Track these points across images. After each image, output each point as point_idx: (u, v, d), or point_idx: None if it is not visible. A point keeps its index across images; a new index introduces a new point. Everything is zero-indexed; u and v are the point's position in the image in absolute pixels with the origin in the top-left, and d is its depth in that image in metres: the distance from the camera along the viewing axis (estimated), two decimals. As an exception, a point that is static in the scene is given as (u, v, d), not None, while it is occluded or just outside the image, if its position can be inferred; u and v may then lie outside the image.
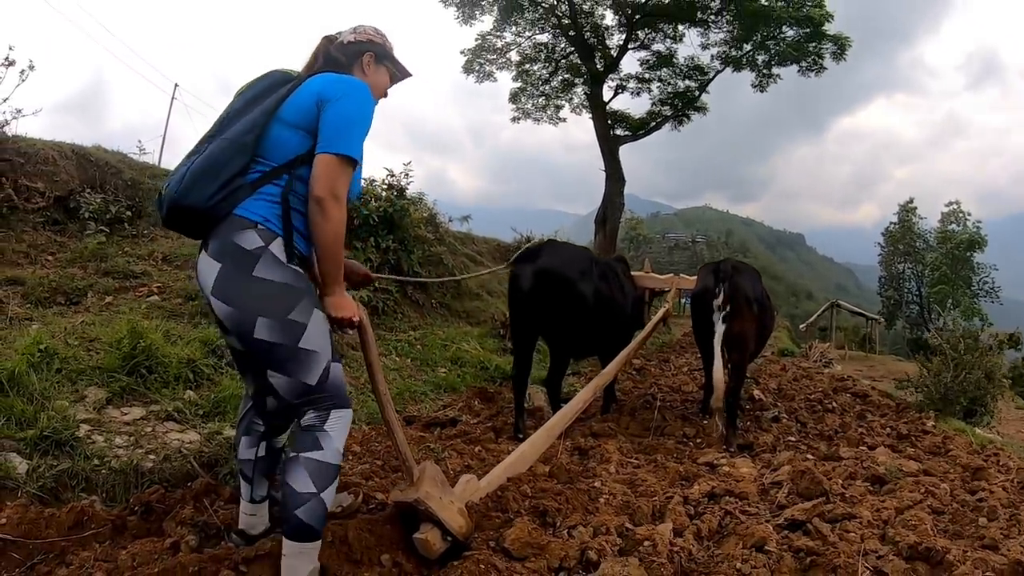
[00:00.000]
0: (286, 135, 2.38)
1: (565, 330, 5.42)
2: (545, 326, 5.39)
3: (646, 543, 2.93)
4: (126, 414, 4.07)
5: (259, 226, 2.30)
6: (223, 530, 2.85)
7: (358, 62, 2.71)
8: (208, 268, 2.30)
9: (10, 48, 7.12)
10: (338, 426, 2.36)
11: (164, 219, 2.36)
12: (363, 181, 8.19)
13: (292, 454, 2.30)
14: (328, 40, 2.73)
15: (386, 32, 2.81)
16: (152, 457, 3.67)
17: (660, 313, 6.99)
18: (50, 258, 6.60)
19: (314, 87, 2.43)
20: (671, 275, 7.24)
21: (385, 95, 2.84)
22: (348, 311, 2.46)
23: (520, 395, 5.43)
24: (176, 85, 17.68)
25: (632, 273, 6.80)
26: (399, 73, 2.87)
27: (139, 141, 10.12)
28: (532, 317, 5.30)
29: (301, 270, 2.38)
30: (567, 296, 5.27)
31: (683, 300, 6.90)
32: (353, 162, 2.34)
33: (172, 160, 13.01)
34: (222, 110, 2.53)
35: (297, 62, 2.96)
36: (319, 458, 2.28)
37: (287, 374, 2.29)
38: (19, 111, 7.52)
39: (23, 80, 7.34)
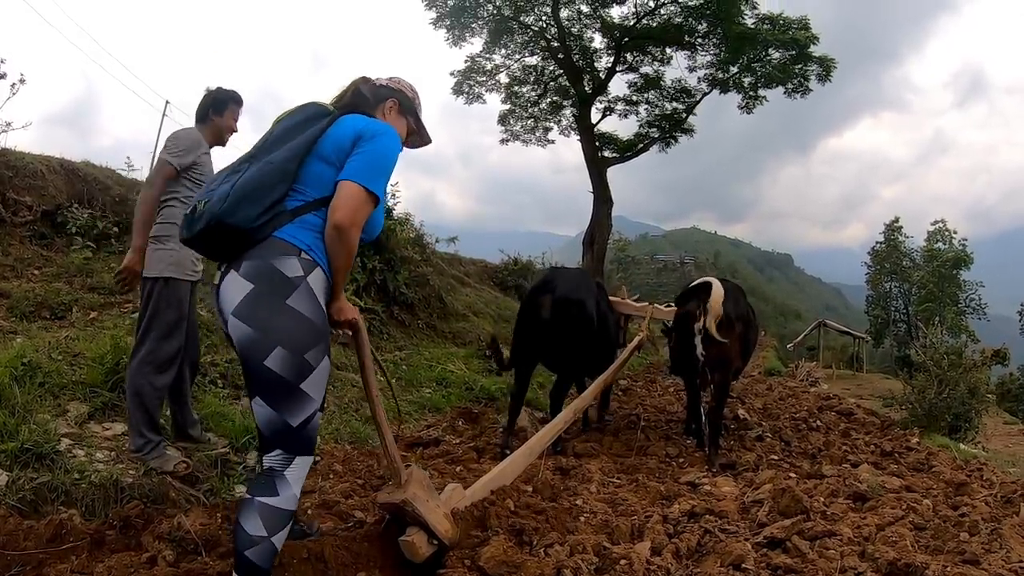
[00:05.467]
0: (324, 170, 2.43)
1: (577, 351, 5.61)
2: (559, 350, 5.56)
3: (623, 562, 2.92)
4: (108, 429, 4.07)
5: (303, 254, 2.32)
6: (201, 545, 2.85)
7: (382, 105, 2.80)
8: (234, 287, 2.28)
9: (1, 61, 7.14)
10: (297, 472, 2.32)
11: (197, 233, 2.31)
12: None
13: (248, 496, 2.28)
14: (364, 79, 2.82)
15: (419, 91, 2.96)
16: (132, 472, 3.66)
17: (636, 340, 7.08)
18: (36, 272, 6.58)
19: (352, 126, 2.50)
20: (646, 304, 7.33)
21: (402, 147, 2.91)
22: (350, 314, 2.53)
23: (516, 414, 5.65)
24: (167, 102, 17.59)
25: (610, 299, 6.90)
26: (420, 137, 3.02)
27: (127, 157, 10.10)
28: (548, 343, 5.49)
29: (324, 311, 2.40)
30: (583, 320, 5.50)
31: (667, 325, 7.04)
32: (376, 199, 2.41)
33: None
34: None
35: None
36: (273, 503, 2.25)
37: (276, 408, 2.26)
38: (9, 124, 7.53)
39: (14, 93, 7.35)
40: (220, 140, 4.19)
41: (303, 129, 2.49)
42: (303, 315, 2.27)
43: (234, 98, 4.15)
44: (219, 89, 4.16)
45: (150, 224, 3.81)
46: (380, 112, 2.79)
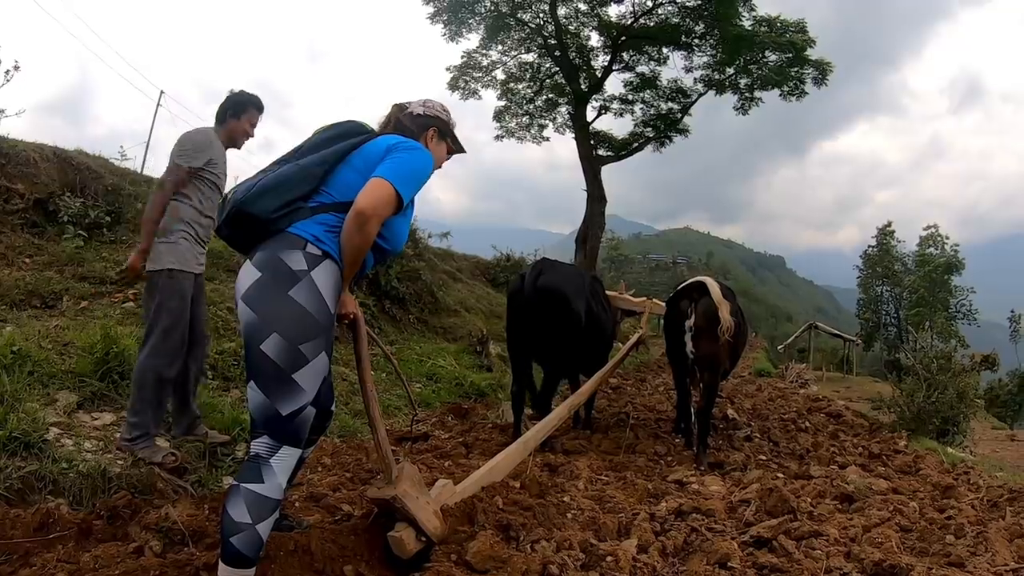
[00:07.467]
0: (353, 177, 2.51)
1: (563, 346, 5.50)
2: (543, 343, 5.45)
3: (608, 559, 2.93)
4: (96, 419, 4.06)
5: (308, 245, 2.39)
6: (187, 536, 2.84)
7: (424, 134, 2.89)
8: (246, 275, 2.38)
9: (-5, 47, 7.10)
10: (284, 462, 2.34)
11: (224, 219, 2.47)
12: None
13: (235, 482, 2.31)
14: (399, 108, 2.93)
15: (450, 108, 3.02)
16: (120, 462, 3.65)
17: (636, 337, 7.07)
18: (27, 260, 6.55)
19: (387, 141, 2.62)
20: (644, 298, 7.30)
21: (439, 167, 2.98)
22: (350, 307, 2.73)
23: (520, 413, 5.56)
24: (162, 92, 17.49)
25: (607, 293, 6.85)
26: (455, 148, 3.08)
27: (121, 147, 10.06)
28: (532, 336, 5.38)
29: (332, 307, 2.43)
30: (567, 315, 5.38)
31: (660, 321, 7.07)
32: (401, 203, 2.45)
33: (155, 165, 12.84)
34: (301, 141, 2.72)
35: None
36: (258, 491, 2.26)
37: (267, 394, 2.30)
38: (2, 111, 7.48)
39: (8, 80, 7.30)
40: (234, 143, 4.22)
41: (338, 141, 2.62)
42: (303, 307, 2.32)
43: (254, 103, 4.18)
44: (241, 92, 4.19)
45: (157, 224, 3.86)
46: (423, 141, 2.86)
